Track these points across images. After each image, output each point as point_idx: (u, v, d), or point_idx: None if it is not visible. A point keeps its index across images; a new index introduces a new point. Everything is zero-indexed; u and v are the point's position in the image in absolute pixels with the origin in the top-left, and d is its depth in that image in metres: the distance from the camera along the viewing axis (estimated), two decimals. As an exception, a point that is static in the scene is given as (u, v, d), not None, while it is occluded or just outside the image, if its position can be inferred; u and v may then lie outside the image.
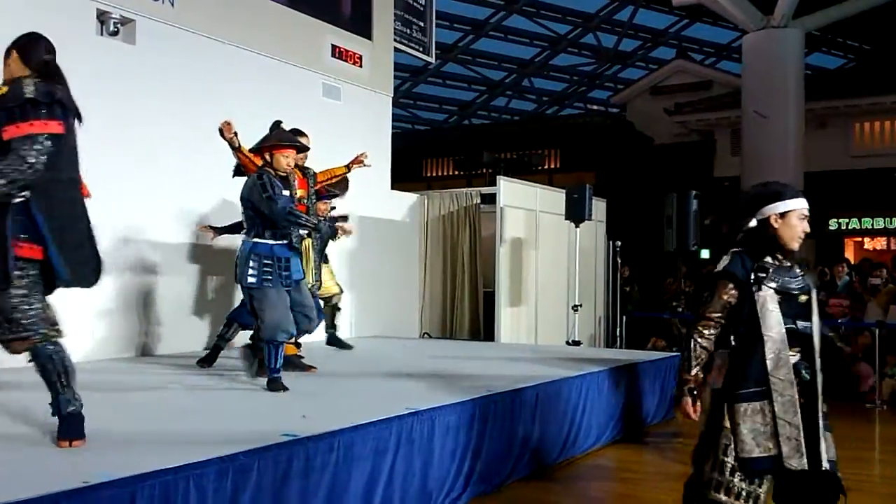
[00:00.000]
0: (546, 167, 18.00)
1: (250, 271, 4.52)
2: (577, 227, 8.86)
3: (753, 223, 2.77)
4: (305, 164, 5.48)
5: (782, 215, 2.73)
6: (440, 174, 20.03)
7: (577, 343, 8.63)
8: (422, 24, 10.00)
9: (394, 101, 9.58)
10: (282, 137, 4.74)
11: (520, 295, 8.89)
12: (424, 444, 3.82)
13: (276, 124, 4.91)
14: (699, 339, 2.70)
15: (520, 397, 4.70)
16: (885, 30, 17.54)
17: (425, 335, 8.74)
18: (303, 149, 5.20)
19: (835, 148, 15.74)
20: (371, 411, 3.74)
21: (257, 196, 4.51)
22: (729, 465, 2.66)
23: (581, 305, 8.89)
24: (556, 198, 9.16)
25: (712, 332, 2.71)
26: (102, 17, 6.06)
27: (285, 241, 4.65)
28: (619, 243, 10.14)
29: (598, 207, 10.03)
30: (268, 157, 4.70)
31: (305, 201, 5.30)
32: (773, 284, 2.69)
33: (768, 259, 2.73)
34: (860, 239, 17.48)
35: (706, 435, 2.76)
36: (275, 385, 4.50)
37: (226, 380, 5.01)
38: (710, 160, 17.16)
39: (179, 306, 6.55)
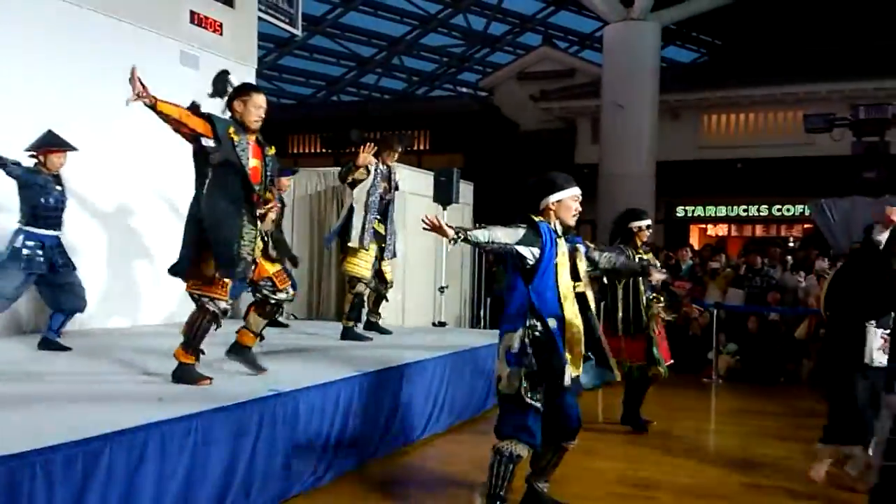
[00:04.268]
0: (415, 148, 18.12)
1: None
2: (444, 209, 8.97)
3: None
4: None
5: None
6: (307, 151, 19.70)
7: (442, 324, 8.78)
8: (289, -6, 9.71)
9: (258, 73, 9.29)
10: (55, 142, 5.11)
11: (387, 275, 8.93)
12: (288, 425, 3.80)
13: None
14: None
15: (384, 377, 4.75)
16: (736, 26, 18.73)
17: (291, 316, 8.60)
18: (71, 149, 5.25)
19: (685, 139, 16.78)
20: (233, 393, 3.68)
21: None
22: None
23: (448, 287, 9.04)
24: (424, 179, 9.23)
25: None
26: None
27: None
28: (484, 226, 10.36)
29: (466, 190, 10.20)
30: (41, 157, 5.10)
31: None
32: None
33: None
34: (704, 226, 18.80)
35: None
36: None
37: (86, 362, 4.76)
38: (572, 147, 17.86)
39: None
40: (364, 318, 6.87)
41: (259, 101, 4.16)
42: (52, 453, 2.63)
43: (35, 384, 4.05)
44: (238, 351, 4.49)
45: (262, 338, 4.64)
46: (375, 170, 6.37)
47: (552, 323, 3.42)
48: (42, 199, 5.05)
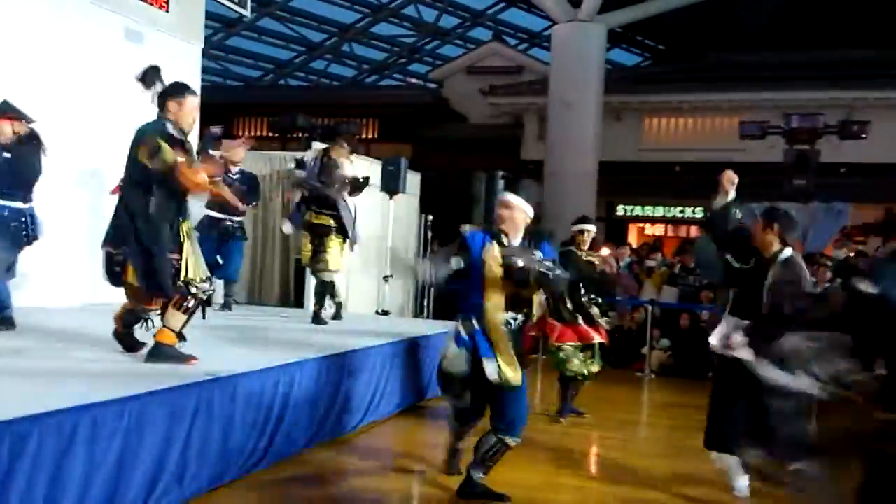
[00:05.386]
0: (364, 137, 18.02)
1: None
2: (391, 198, 8.97)
3: None
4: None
5: None
6: (253, 134, 19.39)
7: (385, 313, 8.79)
8: (238, -27, 9.52)
9: (204, 53, 9.10)
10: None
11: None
12: (224, 410, 3.77)
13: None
14: None
15: (325, 364, 4.75)
16: (679, 31, 19.16)
17: (233, 300, 8.47)
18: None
19: (627, 140, 17.08)
20: (169, 377, 3.63)
21: None
22: None
23: (392, 276, 9.04)
24: (371, 169, 9.20)
25: None
26: None
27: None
28: (430, 217, 10.42)
29: (413, 181, 10.21)
30: None
31: None
32: None
33: None
34: (642, 225, 19.22)
35: None
36: None
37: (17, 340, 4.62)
38: (518, 143, 18.00)
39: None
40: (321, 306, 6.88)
41: (194, 103, 4.13)
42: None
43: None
44: (157, 352, 4.09)
45: (183, 338, 4.16)
46: None
47: (474, 324, 3.71)
48: None
